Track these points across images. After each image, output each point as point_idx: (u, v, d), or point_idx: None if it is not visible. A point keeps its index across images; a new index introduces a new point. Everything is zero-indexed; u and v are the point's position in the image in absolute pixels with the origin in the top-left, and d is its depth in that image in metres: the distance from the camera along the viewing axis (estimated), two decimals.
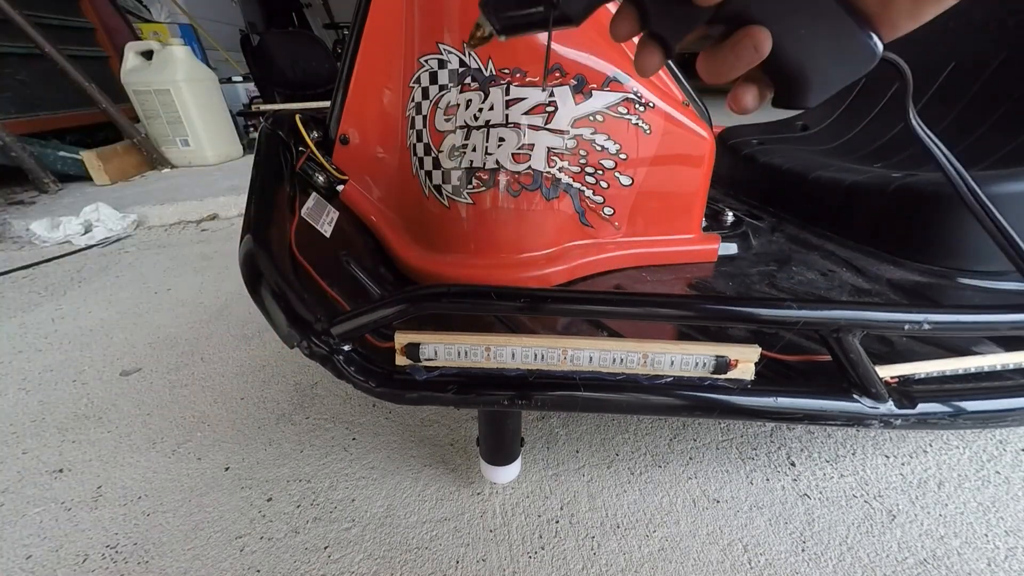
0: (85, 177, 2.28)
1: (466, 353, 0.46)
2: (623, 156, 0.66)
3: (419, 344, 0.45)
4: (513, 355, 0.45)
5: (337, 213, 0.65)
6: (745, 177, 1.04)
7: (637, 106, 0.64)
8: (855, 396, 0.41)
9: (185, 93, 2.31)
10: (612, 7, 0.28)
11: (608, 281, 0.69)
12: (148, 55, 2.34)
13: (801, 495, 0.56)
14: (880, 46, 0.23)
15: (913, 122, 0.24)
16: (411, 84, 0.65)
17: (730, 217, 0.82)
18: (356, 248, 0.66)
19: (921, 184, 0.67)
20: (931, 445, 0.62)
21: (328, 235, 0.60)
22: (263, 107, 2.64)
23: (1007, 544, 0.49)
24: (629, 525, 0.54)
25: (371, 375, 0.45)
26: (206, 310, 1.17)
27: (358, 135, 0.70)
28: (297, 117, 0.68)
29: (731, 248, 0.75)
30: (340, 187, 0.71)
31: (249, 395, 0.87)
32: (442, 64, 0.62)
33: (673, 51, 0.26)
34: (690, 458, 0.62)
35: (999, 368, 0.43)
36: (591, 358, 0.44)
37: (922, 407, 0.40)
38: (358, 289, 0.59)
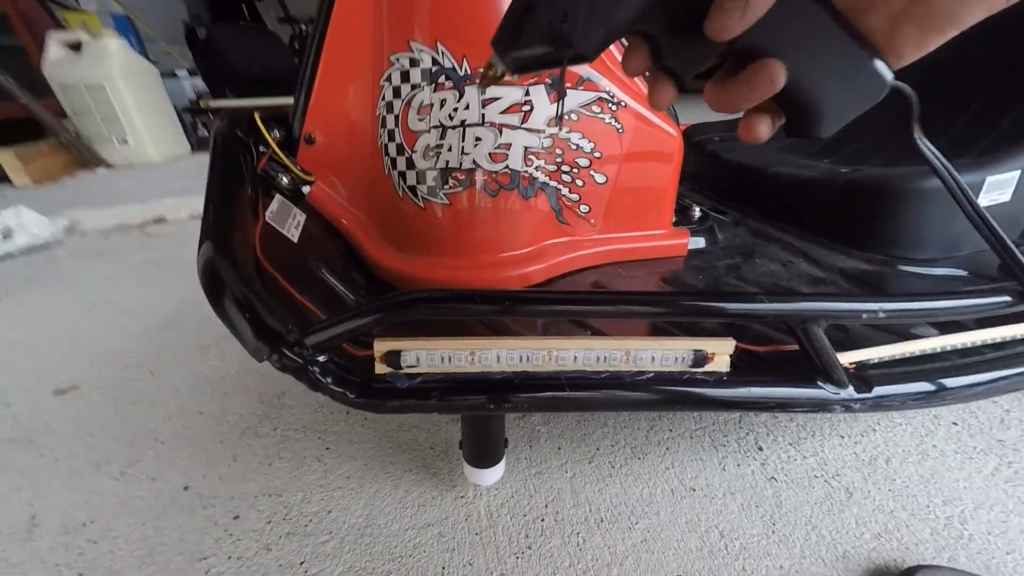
0: (1, 178, 2.06)
1: (449, 358, 0.45)
2: (597, 154, 0.67)
3: (400, 352, 0.44)
4: (498, 358, 0.45)
5: (304, 216, 0.63)
6: (709, 173, 1.08)
7: (610, 105, 0.65)
8: (819, 383, 0.44)
9: (122, 89, 2.14)
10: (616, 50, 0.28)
11: (586, 278, 0.70)
12: (76, 47, 2.14)
13: (769, 478, 0.60)
14: (889, 75, 0.23)
15: (918, 142, 0.26)
16: (381, 82, 0.63)
17: (697, 212, 0.85)
18: (326, 252, 0.64)
19: (866, 179, 0.72)
20: (879, 424, 0.67)
21: (295, 240, 0.57)
22: (213, 104, 2.49)
23: (945, 513, 0.54)
24: (612, 519, 0.55)
25: (349, 385, 0.44)
26: (155, 321, 1.09)
27: (324, 134, 0.68)
28: (256, 115, 0.65)
29: (699, 242, 0.78)
30: (306, 189, 0.68)
31: (208, 409, 0.81)
32: (414, 63, 0.60)
33: (687, 84, 0.27)
34: (667, 448, 0.64)
35: (939, 350, 0.47)
36: (576, 357, 0.45)
37: (877, 390, 0.43)
38: (331, 296, 0.56)
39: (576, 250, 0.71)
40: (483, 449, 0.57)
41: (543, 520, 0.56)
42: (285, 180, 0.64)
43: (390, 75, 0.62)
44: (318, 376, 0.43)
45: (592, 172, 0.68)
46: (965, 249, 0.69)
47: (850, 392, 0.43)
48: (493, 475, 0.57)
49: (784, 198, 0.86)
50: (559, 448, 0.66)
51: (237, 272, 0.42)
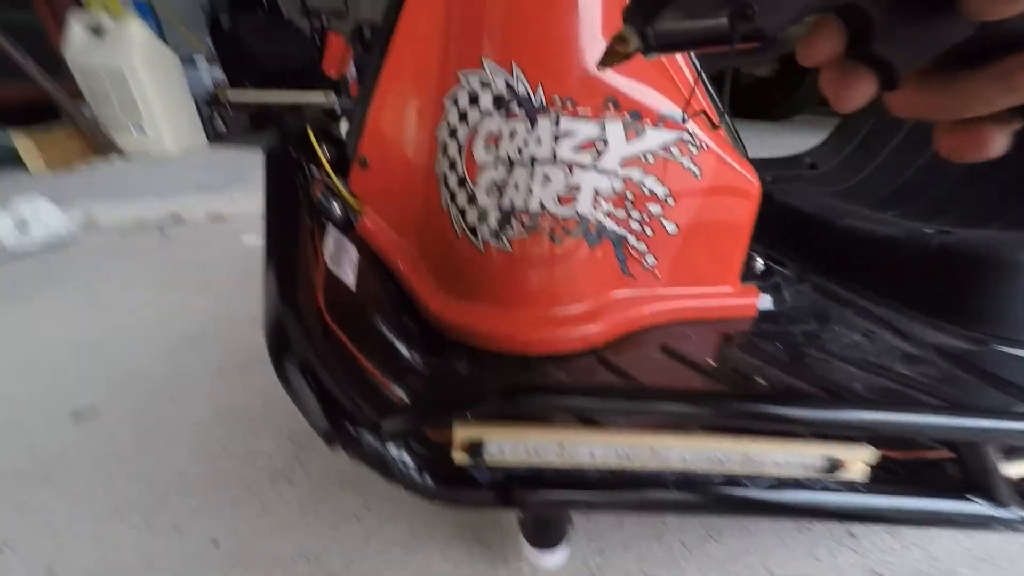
0: (15, 163, 2.00)
1: (536, 451, 0.39)
2: (671, 201, 0.61)
3: (482, 442, 0.39)
4: (592, 454, 0.39)
5: (357, 254, 0.57)
6: (759, 215, 1.01)
7: (691, 147, 0.59)
8: (972, 498, 0.38)
9: (142, 76, 2.08)
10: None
11: (653, 340, 0.63)
12: (97, 30, 2.08)
13: (870, 572, 0.53)
14: None
15: None
16: (445, 101, 0.57)
17: (760, 264, 0.78)
18: (379, 296, 0.58)
19: (964, 246, 0.65)
20: None
21: (353, 286, 0.51)
22: (231, 95, 2.43)
23: None
24: None
25: (428, 477, 0.38)
26: (176, 337, 1.04)
27: (379, 158, 0.61)
28: (309, 130, 0.59)
29: (767, 302, 0.71)
30: (357, 217, 0.62)
31: (233, 447, 0.76)
32: (485, 84, 0.54)
33: (898, 81, 0.19)
34: (745, 528, 0.58)
35: None
36: (684, 458, 0.39)
37: None
38: (391, 355, 0.51)
39: (639, 306, 0.65)
40: (547, 529, 0.51)
41: None
42: (337, 209, 0.59)
43: (456, 95, 0.56)
44: (399, 466, 0.37)
45: (663, 220, 0.62)
46: None
47: (1015, 511, 0.37)
48: (557, 557, 0.52)
49: (857, 256, 0.78)
50: (621, 521, 0.60)
51: (306, 335, 0.36)
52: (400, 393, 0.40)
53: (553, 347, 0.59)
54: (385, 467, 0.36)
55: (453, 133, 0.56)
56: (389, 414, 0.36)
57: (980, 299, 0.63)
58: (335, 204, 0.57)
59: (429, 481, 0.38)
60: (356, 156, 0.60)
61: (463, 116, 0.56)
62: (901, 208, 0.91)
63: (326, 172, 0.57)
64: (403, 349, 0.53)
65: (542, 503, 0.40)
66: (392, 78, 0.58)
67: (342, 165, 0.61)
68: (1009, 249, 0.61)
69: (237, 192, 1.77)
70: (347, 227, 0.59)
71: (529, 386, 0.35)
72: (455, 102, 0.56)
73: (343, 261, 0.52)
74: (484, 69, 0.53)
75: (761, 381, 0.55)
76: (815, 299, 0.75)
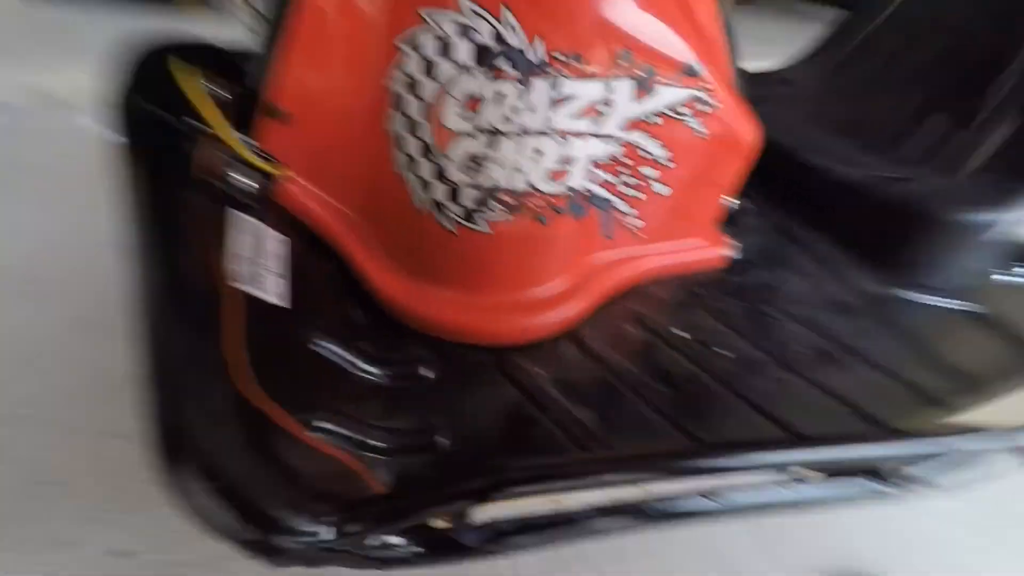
0: None
1: (527, 508, 0.37)
2: (671, 165, 0.54)
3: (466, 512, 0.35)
4: (588, 503, 0.38)
5: (283, 243, 0.42)
6: None
7: (701, 106, 0.51)
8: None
9: None
10: None
11: (626, 309, 0.60)
12: None
13: None
14: None
15: None
16: (401, 44, 0.40)
17: (730, 203, 0.75)
18: (317, 293, 0.45)
19: (915, 197, 0.68)
20: None
21: (287, 303, 0.38)
22: None
23: None
24: None
25: (410, 550, 0.34)
26: (8, 273, 0.75)
27: (304, 110, 0.43)
28: (199, 78, 0.37)
29: (735, 249, 0.70)
30: (272, 183, 0.45)
31: (121, 428, 0.57)
32: (464, 31, 0.38)
33: None
34: None
35: None
36: (673, 491, 0.40)
37: None
38: (339, 383, 0.41)
39: (616, 271, 0.60)
40: None
41: None
42: (244, 181, 0.41)
43: (417, 39, 0.40)
44: (372, 555, 0.32)
45: (657, 183, 0.55)
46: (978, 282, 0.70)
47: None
48: None
49: (810, 192, 0.78)
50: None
51: (212, 423, 0.27)
52: (362, 470, 0.33)
53: (530, 335, 0.54)
54: (358, 562, 0.31)
55: (412, 88, 0.41)
56: (344, 520, 0.29)
57: (918, 249, 0.69)
58: (242, 177, 0.40)
59: (411, 555, 0.34)
60: (270, 108, 0.41)
61: (429, 68, 0.41)
62: (866, 139, 0.88)
63: (225, 132, 0.38)
64: (355, 365, 0.43)
65: (530, 545, 0.39)
66: (319, 7, 0.37)
67: (243, 107, 0.41)
68: (941, 209, 0.65)
69: (68, 63, 1.27)
70: (262, 200, 0.42)
71: (509, 479, 0.30)
72: (415, 48, 0.40)
73: (264, 265, 0.38)
74: (460, 11, 0.38)
75: (728, 354, 0.55)
76: (774, 239, 0.75)
